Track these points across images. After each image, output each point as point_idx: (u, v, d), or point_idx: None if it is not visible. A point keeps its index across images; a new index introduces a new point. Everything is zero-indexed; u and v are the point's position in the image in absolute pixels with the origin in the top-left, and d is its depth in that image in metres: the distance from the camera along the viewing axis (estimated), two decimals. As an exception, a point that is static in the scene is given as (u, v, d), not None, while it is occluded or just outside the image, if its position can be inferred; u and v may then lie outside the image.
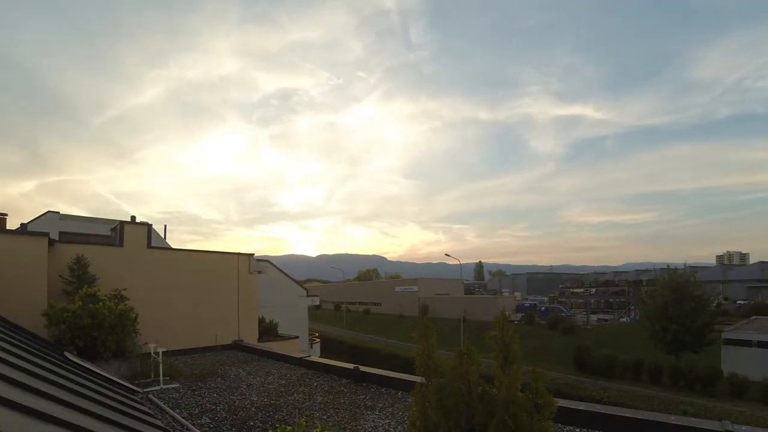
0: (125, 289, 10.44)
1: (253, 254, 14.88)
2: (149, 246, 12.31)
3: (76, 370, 5.82)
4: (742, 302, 62.39)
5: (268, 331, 18.00)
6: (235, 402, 6.87)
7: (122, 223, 12.15)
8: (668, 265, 38.97)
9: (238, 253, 14.35)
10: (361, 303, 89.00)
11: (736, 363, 29.31)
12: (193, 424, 5.67)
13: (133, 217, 18.47)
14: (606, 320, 61.76)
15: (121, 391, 6.14)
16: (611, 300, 77.57)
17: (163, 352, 8.22)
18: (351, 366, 8.33)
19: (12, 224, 14.17)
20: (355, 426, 5.57)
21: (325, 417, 5.96)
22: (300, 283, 32.17)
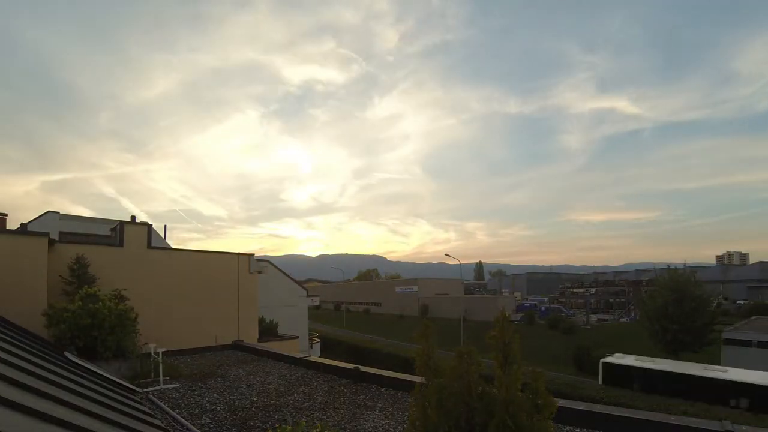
0: (125, 289, 10.42)
1: (253, 254, 14.88)
2: (149, 246, 12.30)
3: (76, 370, 5.82)
4: (742, 302, 62.47)
5: (268, 331, 18.00)
6: (235, 402, 6.87)
7: (122, 223, 12.15)
8: (668, 265, 38.94)
9: (238, 253, 14.35)
10: (361, 303, 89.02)
11: (736, 363, 29.29)
12: (193, 424, 5.67)
13: (133, 217, 18.47)
14: (606, 320, 61.79)
15: (121, 391, 6.14)
16: (611, 300, 77.62)
17: (163, 352, 8.22)
18: (351, 366, 8.33)
19: (12, 224, 14.17)
20: (355, 426, 5.57)
21: (325, 417, 5.96)
22: (300, 283, 32.15)
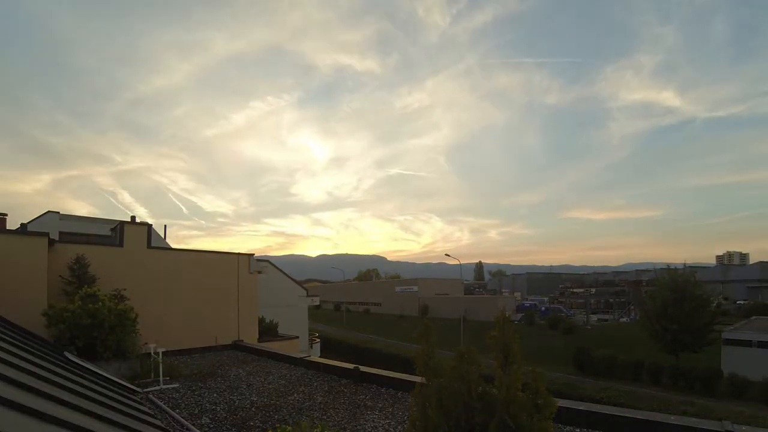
0: (125, 289, 10.43)
1: (253, 254, 14.88)
2: (149, 246, 12.30)
3: (76, 370, 5.82)
4: (742, 302, 62.45)
5: (268, 331, 17.98)
6: (235, 402, 6.87)
7: (122, 223, 12.15)
8: (668, 265, 38.93)
9: (238, 253, 14.35)
10: (361, 303, 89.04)
11: (736, 363, 29.30)
12: (193, 424, 5.67)
13: (133, 217, 18.49)
14: (606, 320, 61.81)
15: (121, 391, 6.14)
16: (611, 300, 77.59)
17: (163, 352, 8.22)
18: (351, 366, 8.33)
19: (13, 224, 14.16)
20: (355, 426, 5.57)
21: (325, 417, 5.96)
22: (300, 283, 32.16)
